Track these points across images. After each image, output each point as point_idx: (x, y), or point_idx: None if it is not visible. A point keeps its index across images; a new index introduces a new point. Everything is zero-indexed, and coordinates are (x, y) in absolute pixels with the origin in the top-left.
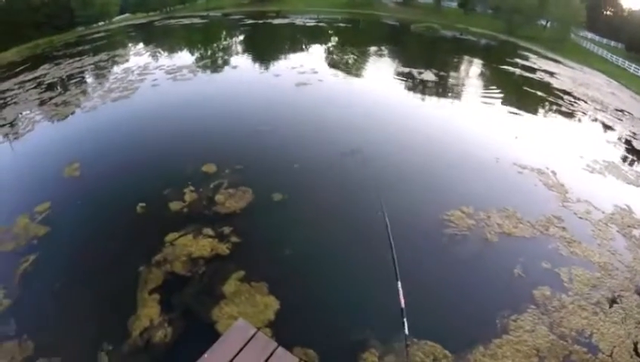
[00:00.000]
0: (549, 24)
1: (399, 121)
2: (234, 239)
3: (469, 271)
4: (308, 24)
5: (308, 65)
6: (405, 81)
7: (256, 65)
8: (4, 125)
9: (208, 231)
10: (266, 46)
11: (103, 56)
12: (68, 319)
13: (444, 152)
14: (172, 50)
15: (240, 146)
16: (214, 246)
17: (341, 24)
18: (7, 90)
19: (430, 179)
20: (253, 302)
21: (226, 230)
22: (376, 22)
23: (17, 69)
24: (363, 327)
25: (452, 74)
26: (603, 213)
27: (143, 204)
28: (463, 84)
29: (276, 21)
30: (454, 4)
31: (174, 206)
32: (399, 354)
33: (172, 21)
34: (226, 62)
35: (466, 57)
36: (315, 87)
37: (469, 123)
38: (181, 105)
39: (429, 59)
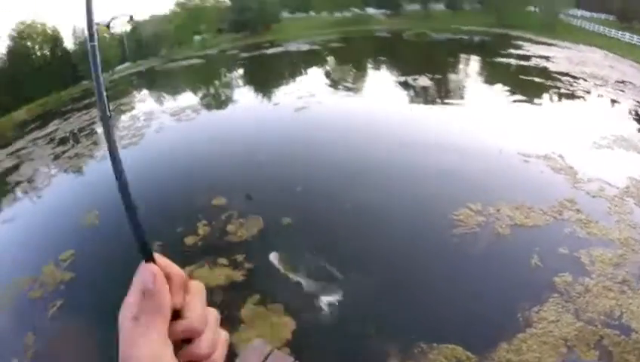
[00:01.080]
0: (537, 9)
1: (396, 130)
2: (247, 265)
3: (484, 267)
4: (302, 49)
5: (306, 90)
6: (401, 89)
7: (256, 96)
8: (22, 181)
9: (223, 260)
10: (264, 76)
11: (109, 106)
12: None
13: (445, 151)
14: (174, 92)
15: (246, 177)
16: (229, 275)
17: (334, 44)
18: (22, 148)
19: (434, 181)
20: (270, 323)
21: (239, 258)
22: (368, 37)
23: (29, 127)
24: (382, 341)
25: (447, 75)
26: (617, 188)
27: (160, 243)
28: (459, 83)
29: (270, 51)
30: (441, 6)
31: (189, 240)
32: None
33: (172, 64)
34: (226, 98)
35: (460, 56)
36: (314, 110)
37: (469, 119)
38: (186, 144)
39: (423, 65)
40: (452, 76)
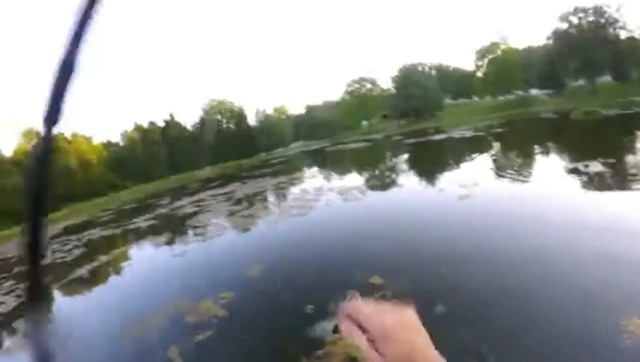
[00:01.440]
0: None
1: (563, 219)
2: None
3: None
4: (466, 135)
5: (470, 177)
6: (570, 178)
7: (420, 181)
8: (198, 227)
9: None
10: (428, 162)
11: (282, 178)
12: None
13: (621, 250)
14: (342, 172)
15: (406, 260)
16: None
17: (498, 129)
18: (203, 199)
19: (603, 273)
20: None
21: None
22: (532, 119)
23: (211, 184)
24: None
25: (622, 158)
26: None
27: (312, 306)
28: (637, 165)
29: (435, 137)
30: (608, 78)
31: None
32: None
33: (340, 146)
34: (391, 181)
35: (636, 133)
36: (478, 198)
37: None
38: (352, 222)
39: (594, 148)
40: (629, 157)
